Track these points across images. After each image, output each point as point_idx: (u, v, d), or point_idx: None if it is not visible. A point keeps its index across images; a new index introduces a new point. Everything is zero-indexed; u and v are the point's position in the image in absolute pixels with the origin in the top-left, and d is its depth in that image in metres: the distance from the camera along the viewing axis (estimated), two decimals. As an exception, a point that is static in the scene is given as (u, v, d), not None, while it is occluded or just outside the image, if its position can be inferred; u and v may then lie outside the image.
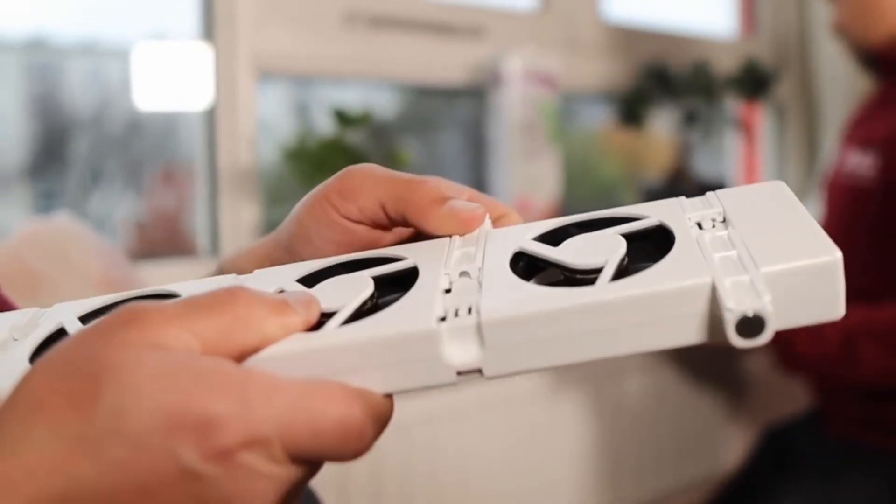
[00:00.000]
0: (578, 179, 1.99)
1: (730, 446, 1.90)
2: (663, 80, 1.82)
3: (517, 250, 0.39)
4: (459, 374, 0.34)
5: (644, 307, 0.33)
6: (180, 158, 1.57)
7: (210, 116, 1.42)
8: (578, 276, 0.36)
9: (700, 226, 0.38)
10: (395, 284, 0.39)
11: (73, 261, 1.03)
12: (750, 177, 2.32)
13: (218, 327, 0.32)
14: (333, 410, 0.32)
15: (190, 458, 0.29)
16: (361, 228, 0.43)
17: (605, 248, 0.37)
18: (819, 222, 0.36)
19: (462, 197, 0.44)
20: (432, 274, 0.38)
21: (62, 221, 1.10)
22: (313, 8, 1.48)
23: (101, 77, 1.51)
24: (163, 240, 1.54)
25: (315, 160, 1.30)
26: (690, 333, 0.33)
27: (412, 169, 1.03)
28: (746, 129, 2.17)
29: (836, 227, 1.37)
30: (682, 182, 1.83)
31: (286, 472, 0.31)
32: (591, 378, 1.63)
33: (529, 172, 1.59)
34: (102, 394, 0.29)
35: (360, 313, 0.36)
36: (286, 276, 0.41)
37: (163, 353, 0.30)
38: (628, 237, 0.38)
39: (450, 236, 0.42)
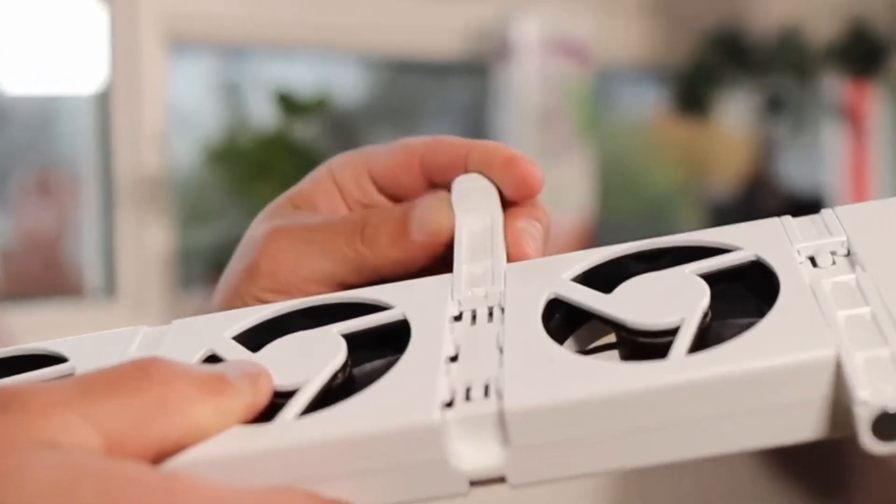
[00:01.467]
0: (619, 188, 1.99)
1: None
2: (736, 52, 1.82)
3: (552, 297, 0.38)
4: (473, 483, 0.33)
5: (738, 392, 0.31)
6: (61, 161, 1.56)
7: (103, 101, 1.41)
8: (641, 340, 0.35)
9: (814, 262, 0.37)
10: (377, 345, 0.38)
11: None
12: (859, 185, 2.32)
13: (127, 416, 0.32)
14: None
15: None
16: (318, 287, 0.45)
17: (680, 297, 0.35)
18: None
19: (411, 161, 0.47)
20: (430, 331, 0.37)
21: None
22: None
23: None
24: (37, 274, 1.53)
25: (251, 163, 1.29)
26: (800, 429, 0.32)
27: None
28: (853, 118, 2.18)
29: None
30: (764, 194, 1.83)
31: None
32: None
33: (550, 178, 1.59)
34: None
35: (328, 392, 0.35)
36: (219, 332, 0.40)
37: (53, 456, 0.30)
38: (710, 279, 0.37)
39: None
